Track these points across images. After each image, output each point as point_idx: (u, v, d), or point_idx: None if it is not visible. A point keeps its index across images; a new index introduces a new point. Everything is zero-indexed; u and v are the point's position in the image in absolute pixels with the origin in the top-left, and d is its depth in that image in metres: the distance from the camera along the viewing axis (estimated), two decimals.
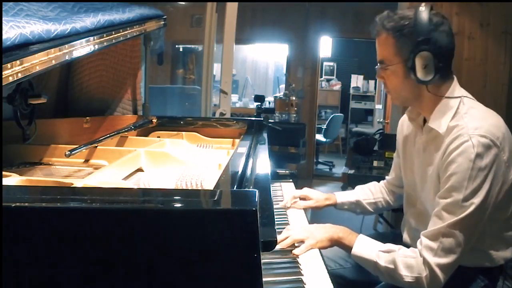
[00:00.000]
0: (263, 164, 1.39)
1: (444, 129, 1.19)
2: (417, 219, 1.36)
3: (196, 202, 0.68)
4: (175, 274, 0.61)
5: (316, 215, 1.79)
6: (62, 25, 0.93)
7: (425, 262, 1.11)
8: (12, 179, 0.95)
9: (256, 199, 0.65)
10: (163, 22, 1.60)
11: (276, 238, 0.96)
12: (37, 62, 0.82)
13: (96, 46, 1.07)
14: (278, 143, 3.77)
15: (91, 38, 1.04)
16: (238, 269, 0.62)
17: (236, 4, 2.89)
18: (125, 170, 1.15)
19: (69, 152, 1.13)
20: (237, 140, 1.73)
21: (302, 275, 1.03)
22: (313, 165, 6.07)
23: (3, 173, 0.98)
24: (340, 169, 5.14)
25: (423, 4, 1.19)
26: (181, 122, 1.85)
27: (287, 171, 1.97)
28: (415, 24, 1.16)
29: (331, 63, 8.34)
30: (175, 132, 1.78)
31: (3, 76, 0.73)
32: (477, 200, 1.09)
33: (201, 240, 0.62)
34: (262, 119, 2.05)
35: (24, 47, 0.81)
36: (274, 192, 1.70)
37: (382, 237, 1.28)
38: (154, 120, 1.76)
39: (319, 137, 6.51)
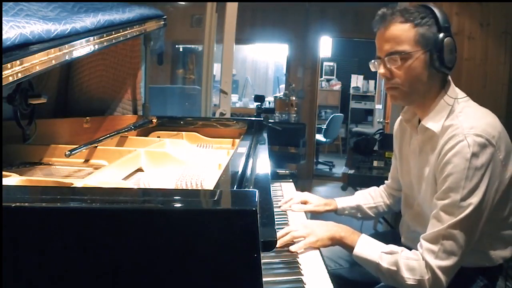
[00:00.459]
0: (263, 164, 1.39)
1: (439, 128, 1.19)
2: (415, 220, 1.36)
3: (196, 202, 0.68)
4: (175, 274, 0.61)
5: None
6: (62, 25, 0.93)
7: (427, 265, 1.10)
8: (12, 179, 0.95)
9: (256, 199, 0.65)
10: (163, 22, 1.60)
11: (276, 238, 0.96)
12: (37, 62, 0.82)
13: (96, 46, 1.06)
14: (278, 143, 3.78)
15: (91, 38, 1.04)
16: (238, 269, 0.62)
17: (236, 4, 2.89)
18: (125, 170, 1.15)
19: (69, 152, 1.13)
20: (237, 140, 1.73)
21: (302, 275, 1.03)
22: (313, 165, 6.07)
23: (3, 173, 0.98)
24: (340, 169, 5.13)
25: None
26: (181, 122, 1.85)
27: (287, 171, 1.97)
28: (435, 15, 1.18)
29: (331, 63, 8.35)
30: (175, 132, 1.78)
31: (3, 76, 0.73)
32: (475, 199, 1.08)
33: (201, 240, 0.62)
34: (262, 119, 2.04)
35: (24, 47, 0.80)
36: (274, 192, 1.69)
37: (382, 237, 1.28)
38: (154, 120, 1.76)
39: (319, 137, 6.51)
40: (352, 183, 2.92)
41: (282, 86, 6.54)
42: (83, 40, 1.00)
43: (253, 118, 2.12)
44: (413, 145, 1.33)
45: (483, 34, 3.48)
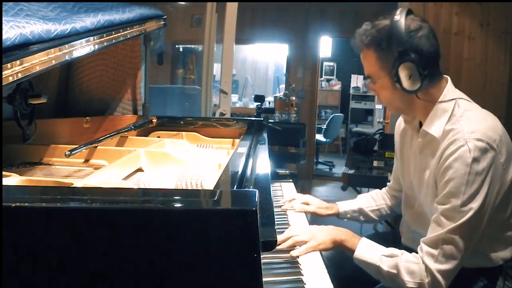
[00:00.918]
0: (263, 164, 1.39)
1: (439, 133, 1.18)
2: (416, 220, 1.35)
3: (196, 202, 0.68)
4: (175, 274, 0.61)
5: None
6: (62, 25, 0.93)
7: (427, 269, 1.11)
8: (12, 179, 0.95)
9: (256, 199, 0.65)
10: (163, 22, 1.60)
11: (276, 238, 0.96)
12: (37, 62, 0.82)
13: (96, 46, 1.06)
14: (278, 143, 3.77)
15: (91, 38, 1.04)
16: (238, 269, 0.62)
17: (236, 4, 2.89)
18: (125, 170, 1.15)
19: (69, 152, 1.13)
20: (237, 140, 1.73)
21: (302, 275, 1.03)
22: (313, 165, 6.08)
23: (3, 173, 0.98)
24: (340, 169, 5.13)
25: (398, 10, 1.17)
26: (181, 122, 1.85)
27: (287, 171, 1.97)
28: (392, 36, 1.14)
29: (331, 63, 8.34)
30: (175, 132, 1.78)
31: (3, 76, 0.73)
32: (475, 204, 1.08)
33: (201, 240, 0.62)
34: (262, 119, 2.04)
35: (24, 47, 0.80)
36: (274, 192, 1.69)
37: (382, 237, 1.28)
38: (154, 120, 1.76)
39: (319, 137, 6.51)
40: (352, 183, 2.92)
41: (282, 86, 6.54)
42: (83, 40, 1.00)
43: (253, 118, 2.12)
44: (413, 147, 1.33)
45: (483, 34, 3.48)
